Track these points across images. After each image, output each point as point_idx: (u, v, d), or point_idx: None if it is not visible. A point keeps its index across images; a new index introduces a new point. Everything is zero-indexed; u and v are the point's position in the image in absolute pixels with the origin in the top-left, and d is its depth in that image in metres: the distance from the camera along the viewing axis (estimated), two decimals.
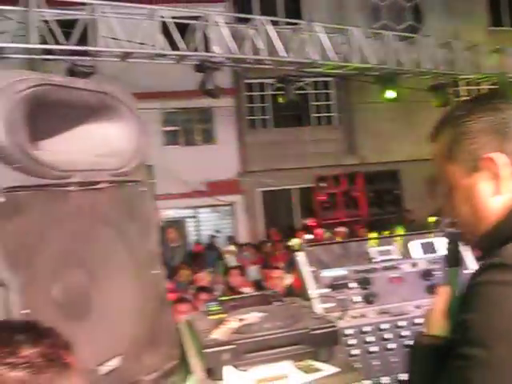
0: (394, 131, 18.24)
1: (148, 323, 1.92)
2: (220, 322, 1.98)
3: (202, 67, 10.66)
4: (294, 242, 12.40)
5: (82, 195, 1.73)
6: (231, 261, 12.68)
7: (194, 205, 16.88)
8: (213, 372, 1.79)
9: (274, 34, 11.60)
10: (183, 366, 1.95)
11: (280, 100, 14.23)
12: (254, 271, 10.62)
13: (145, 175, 2.02)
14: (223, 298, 2.27)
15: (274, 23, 12.40)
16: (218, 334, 1.87)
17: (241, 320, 1.96)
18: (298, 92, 15.02)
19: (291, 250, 12.25)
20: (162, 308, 2.01)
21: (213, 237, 16.49)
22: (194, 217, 17.69)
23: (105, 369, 1.71)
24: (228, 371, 1.80)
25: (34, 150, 1.58)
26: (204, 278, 8.01)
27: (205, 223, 17.91)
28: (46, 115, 1.68)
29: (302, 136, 18.24)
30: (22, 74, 1.62)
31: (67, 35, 9.88)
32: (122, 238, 1.90)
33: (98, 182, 1.78)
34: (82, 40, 9.99)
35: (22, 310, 1.48)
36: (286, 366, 1.86)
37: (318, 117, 19.29)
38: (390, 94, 14.26)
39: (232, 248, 14.04)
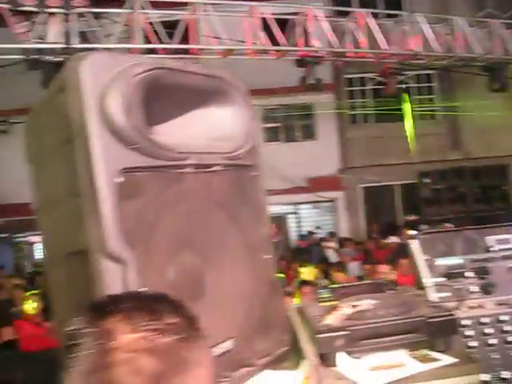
0: (502, 124, 17.43)
1: (260, 308, 1.91)
2: (332, 309, 1.95)
3: (303, 62, 10.62)
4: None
5: (197, 178, 1.74)
6: (332, 256, 12.61)
7: (295, 201, 16.87)
8: (325, 358, 1.76)
9: (374, 26, 11.38)
10: (294, 352, 1.93)
11: (381, 94, 13.95)
12: (354, 267, 10.50)
13: (256, 160, 2.02)
14: (334, 286, 2.23)
15: (374, 16, 12.16)
16: (330, 320, 1.83)
17: (354, 306, 1.91)
18: (399, 86, 14.68)
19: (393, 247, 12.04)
20: (274, 293, 2.00)
21: (310, 233, 16.42)
22: (294, 213, 17.69)
23: (218, 351, 1.71)
24: (341, 358, 1.76)
25: (150, 133, 1.62)
26: (308, 272, 8.00)
27: (305, 219, 17.88)
28: (161, 99, 1.71)
29: (404, 131, 17.81)
30: (139, 58, 1.65)
31: (169, 36, 10.13)
32: (235, 221, 1.90)
33: (212, 165, 1.79)
34: (184, 40, 10.20)
35: (140, 289, 1.51)
36: (401, 355, 1.79)
37: (422, 111, 18.75)
38: (497, 84, 13.63)
39: (332, 244, 13.95)
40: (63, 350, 0.99)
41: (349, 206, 18.07)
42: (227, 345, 1.76)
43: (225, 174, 1.86)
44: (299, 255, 11.90)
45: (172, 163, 1.65)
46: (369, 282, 2.57)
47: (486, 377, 2.00)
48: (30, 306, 7.64)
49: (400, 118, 18.24)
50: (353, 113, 18.57)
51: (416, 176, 17.72)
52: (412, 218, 16.58)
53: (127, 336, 0.92)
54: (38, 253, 17.29)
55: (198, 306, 1.71)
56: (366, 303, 1.92)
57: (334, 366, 1.75)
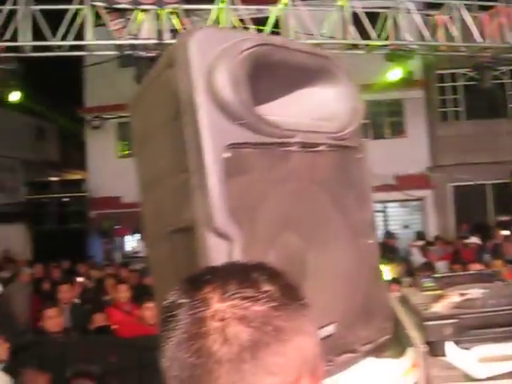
0: None
1: (362, 294, 1.86)
2: (438, 297, 1.87)
3: (393, 56, 10.42)
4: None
5: (302, 157, 1.71)
6: (417, 255, 12.34)
7: (382, 199, 16.59)
8: (433, 347, 1.69)
9: (468, 18, 11.02)
10: (397, 341, 1.86)
11: (478, 89, 13.48)
12: (442, 266, 10.24)
13: (360, 141, 1.96)
14: (438, 275, 2.14)
15: (468, 8, 11.76)
16: (438, 308, 1.76)
17: (462, 295, 1.82)
18: (493, 81, 14.14)
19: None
20: (376, 280, 1.94)
21: (389, 233, 16.00)
22: (382, 211, 17.40)
23: (321, 334, 1.67)
24: (449, 347, 1.68)
25: (257, 109, 1.59)
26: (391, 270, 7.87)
27: (393, 218, 17.56)
28: (266, 76, 1.68)
29: (497, 128, 17.17)
30: (245, 33, 1.63)
31: (260, 33, 10.19)
32: (338, 204, 1.85)
33: (317, 145, 1.75)
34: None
35: None
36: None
37: None
38: None
39: (419, 243, 13.65)
40: (160, 324, 0.98)
41: (438, 205, 17.62)
42: (330, 329, 1.71)
43: (330, 155, 1.81)
44: (385, 253, 11.71)
45: (278, 140, 1.63)
46: (475, 271, 2.45)
47: None
48: (121, 295, 7.87)
49: (493, 114, 17.62)
50: (443, 110, 18.07)
51: (509, 175, 17.05)
52: (504, 218, 15.97)
53: (220, 304, 0.90)
54: (128, 245, 17.84)
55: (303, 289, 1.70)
56: (475, 292, 1.83)
57: (442, 355, 1.67)
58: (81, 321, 7.32)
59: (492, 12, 11.97)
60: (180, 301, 0.95)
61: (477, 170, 16.68)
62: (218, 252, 1.47)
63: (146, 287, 9.29)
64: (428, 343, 1.69)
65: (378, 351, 1.83)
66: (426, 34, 10.86)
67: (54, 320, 6.49)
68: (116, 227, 18.02)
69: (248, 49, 1.58)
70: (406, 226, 17.13)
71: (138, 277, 10.08)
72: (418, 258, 12.01)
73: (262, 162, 1.60)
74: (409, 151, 16.46)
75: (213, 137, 1.49)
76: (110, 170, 17.56)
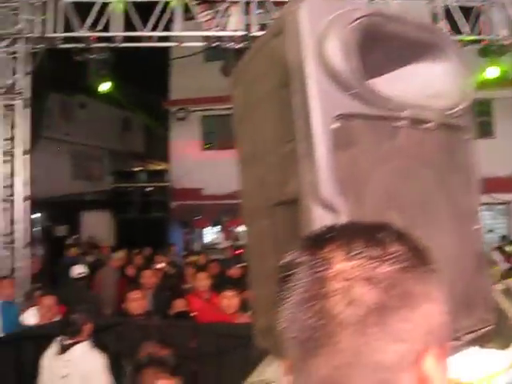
0: None
1: (464, 281, 1.77)
2: None
3: (487, 52, 10.06)
4: None
5: (410, 134, 1.64)
6: (498, 259, 11.91)
7: None
8: None
9: None
10: (501, 333, 1.77)
11: None
12: None
13: (469, 121, 1.87)
14: None
15: None
16: None
17: None
18: None
19: None
20: (480, 268, 1.85)
21: None
22: None
23: None
24: None
25: (367, 80, 1.54)
26: None
27: None
28: (376, 48, 1.63)
29: None
30: (355, 3, 1.59)
31: None
32: (443, 186, 1.77)
33: (426, 122, 1.68)
34: None
35: None
36: None
37: None
38: None
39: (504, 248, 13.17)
40: (277, 284, 0.94)
41: None
42: None
43: (437, 134, 1.74)
44: None
45: (388, 114, 1.57)
46: None
47: None
48: (201, 283, 7.96)
49: None
50: None
51: None
52: None
53: (344, 264, 0.85)
54: (208, 236, 18.09)
55: None
56: None
57: None
58: (162, 306, 7.46)
59: None
60: (300, 259, 0.91)
61: None
62: (324, 224, 1.42)
63: (226, 277, 9.38)
64: None
65: (481, 341, 1.74)
66: None
67: (137, 302, 6.65)
68: (196, 218, 18.30)
69: (359, 18, 1.53)
70: (491, 231, 16.53)
71: (219, 266, 10.19)
72: (501, 264, 11.57)
73: (370, 135, 1.55)
74: (496, 153, 15.87)
75: (322, 106, 1.45)
76: (192, 162, 17.85)
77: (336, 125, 1.46)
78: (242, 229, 16.07)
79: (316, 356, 0.84)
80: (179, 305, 7.14)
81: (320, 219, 1.43)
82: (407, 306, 0.83)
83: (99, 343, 5.72)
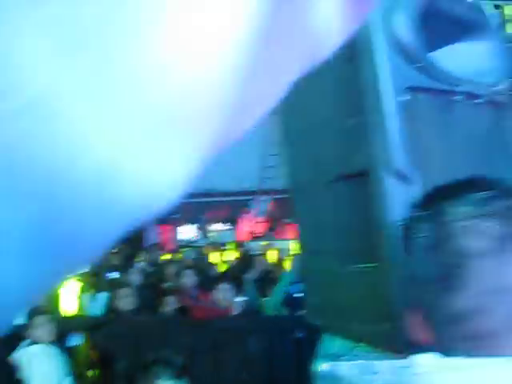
0: None
1: None
2: None
3: None
4: None
5: (464, 108, 1.68)
6: None
7: None
8: None
9: None
10: None
11: None
12: None
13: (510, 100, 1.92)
14: None
15: None
16: None
17: None
18: None
19: None
20: None
21: None
22: None
23: None
24: None
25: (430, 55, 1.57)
26: None
27: None
28: (434, 23, 1.66)
29: None
30: None
31: None
32: (492, 161, 1.81)
33: (479, 97, 1.72)
34: None
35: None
36: None
37: None
38: None
39: None
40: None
41: None
42: None
43: (487, 110, 1.78)
44: None
45: (448, 88, 1.60)
46: None
47: None
48: (189, 280, 7.93)
49: None
50: None
51: None
52: None
53: (465, 208, 0.89)
54: (186, 234, 17.98)
55: None
56: None
57: None
58: (148, 304, 7.41)
59: None
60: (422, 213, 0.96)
61: None
62: (399, 195, 1.45)
63: (211, 273, 9.36)
64: None
65: None
66: None
67: (125, 299, 6.61)
68: (173, 216, 18.20)
69: None
70: None
71: (202, 263, 10.18)
72: None
73: (433, 108, 1.58)
74: None
75: (393, 79, 1.47)
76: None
77: (405, 97, 1.48)
78: (219, 227, 16.06)
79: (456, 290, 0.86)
80: (169, 302, 7.10)
81: (394, 190, 1.45)
82: None
83: (90, 342, 5.67)
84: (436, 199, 0.99)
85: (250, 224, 15.51)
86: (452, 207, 0.91)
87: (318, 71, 1.09)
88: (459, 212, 0.89)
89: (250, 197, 14.90)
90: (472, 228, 0.87)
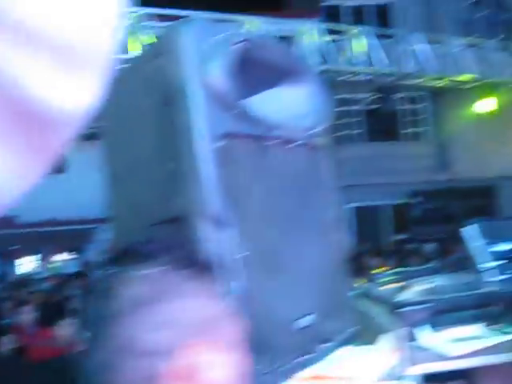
0: (490, 146, 17.71)
1: (332, 287, 1.92)
2: (403, 288, 1.96)
3: None
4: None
5: (281, 151, 1.76)
6: None
7: None
8: (408, 331, 1.77)
9: (371, 44, 11.58)
10: (367, 330, 1.93)
11: (375, 113, 14.17)
12: None
13: (327, 141, 2.04)
14: (396, 270, 2.26)
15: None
16: (409, 295, 1.84)
17: (429, 283, 1.93)
18: (392, 106, 14.87)
19: None
20: (342, 273, 2.01)
21: None
22: None
23: (300, 324, 1.72)
24: (423, 330, 1.77)
25: (245, 102, 1.63)
26: None
27: None
28: (251, 71, 1.72)
29: (394, 151, 18.03)
30: (233, 28, 1.68)
31: None
32: (308, 199, 1.91)
33: (294, 140, 1.81)
34: None
35: (239, 253, 1.51)
36: (479, 328, 1.82)
37: (411, 132, 19.01)
38: (487, 106, 13.91)
39: None
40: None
41: None
42: (308, 320, 1.75)
43: (302, 152, 1.87)
44: None
45: (263, 133, 1.67)
46: (428, 266, 2.59)
47: None
48: (26, 316, 7.53)
49: (391, 137, 18.48)
50: (343, 132, 18.72)
51: (405, 196, 17.90)
52: (401, 237, 16.73)
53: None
54: (25, 267, 17.08)
55: (281, 279, 1.73)
56: (439, 280, 1.94)
57: (417, 338, 1.76)
58: None
59: (392, 40, 12.65)
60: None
61: (375, 191, 17.37)
62: (213, 240, 1.48)
63: (54, 307, 8.94)
64: (402, 328, 1.77)
65: (352, 340, 1.89)
66: (331, 58, 11.28)
67: None
68: (13, 248, 17.23)
69: (238, 43, 1.62)
70: None
71: (45, 296, 9.69)
72: None
73: (249, 152, 1.63)
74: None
75: (207, 125, 1.51)
76: None
77: (220, 143, 1.52)
78: (62, 257, 15.43)
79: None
80: (6, 342, 6.68)
81: (208, 234, 1.48)
82: (166, 301, 0.92)
83: None
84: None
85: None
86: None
87: (140, 112, 1.08)
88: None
89: (94, 226, 14.50)
90: (113, 291, 0.92)
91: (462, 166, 17.99)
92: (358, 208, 18.11)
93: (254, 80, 1.78)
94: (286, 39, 11.22)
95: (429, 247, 13.31)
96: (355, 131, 18.73)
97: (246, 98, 1.68)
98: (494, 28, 19.36)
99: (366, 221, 18.21)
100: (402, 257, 12.30)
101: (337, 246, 1.99)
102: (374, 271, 2.56)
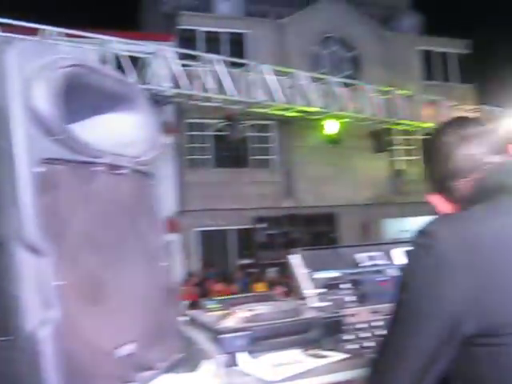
0: (332, 175, 18.71)
1: (157, 314, 1.93)
2: (225, 315, 2.02)
3: (152, 101, 10.73)
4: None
5: (107, 178, 1.76)
6: None
7: None
8: (228, 358, 1.82)
9: (223, 72, 11.87)
10: (191, 356, 1.97)
11: (225, 139, 14.49)
12: None
13: (156, 169, 2.06)
14: (221, 298, 2.31)
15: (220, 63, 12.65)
16: (230, 323, 1.90)
17: (250, 310, 2.00)
18: (240, 133, 15.28)
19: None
20: (168, 301, 2.03)
21: None
22: None
23: (121, 352, 1.71)
24: (243, 357, 1.83)
25: (70, 127, 1.62)
26: None
27: None
28: (79, 96, 1.71)
29: (241, 177, 18.46)
30: (62, 50, 1.66)
31: None
32: (136, 227, 1.92)
33: (121, 168, 1.81)
34: None
35: (56, 282, 1.48)
36: (296, 353, 1.92)
37: (258, 159, 19.59)
38: (329, 138, 14.74)
39: None
40: None
41: (184, 248, 18.19)
42: (130, 348, 1.75)
43: (130, 179, 1.89)
44: None
45: (88, 159, 1.66)
46: (254, 294, 2.68)
47: None
48: None
49: (238, 164, 18.92)
50: (192, 157, 18.88)
51: (251, 221, 18.35)
52: (246, 261, 17.11)
53: None
54: None
55: (102, 308, 1.72)
56: (262, 308, 2.03)
57: (237, 365, 1.81)
58: None
59: (244, 69, 13.04)
60: None
61: (222, 216, 17.65)
62: (29, 267, 1.44)
63: None
64: (223, 355, 1.82)
65: (175, 367, 1.91)
66: (185, 82, 11.38)
67: None
68: None
69: (65, 67, 1.61)
70: None
71: None
72: None
73: (72, 179, 1.62)
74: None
75: (27, 150, 1.47)
76: None
77: (41, 169, 1.49)
78: None
79: None
80: None
81: (26, 263, 1.45)
82: None
83: None
84: None
85: None
86: None
87: None
88: None
89: None
90: None
91: (305, 194, 18.85)
92: (204, 232, 18.33)
93: (82, 106, 1.77)
94: (138, 60, 11.21)
95: (271, 271, 13.73)
96: (205, 156, 18.96)
97: (71, 123, 1.67)
98: (339, 64, 20.61)
99: (212, 245, 18.46)
100: (246, 281, 12.61)
101: (164, 274, 2.01)
102: (217, 296, 2.60)
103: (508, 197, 1.38)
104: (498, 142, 1.52)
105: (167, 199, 17.30)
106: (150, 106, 2.02)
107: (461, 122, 1.61)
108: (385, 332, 1.41)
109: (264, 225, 18.40)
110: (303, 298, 2.34)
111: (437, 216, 1.46)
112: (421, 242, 1.35)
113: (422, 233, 1.36)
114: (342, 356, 1.93)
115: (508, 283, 1.25)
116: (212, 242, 18.56)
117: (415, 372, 1.32)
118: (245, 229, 18.48)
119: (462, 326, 1.26)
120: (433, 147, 1.60)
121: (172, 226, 17.41)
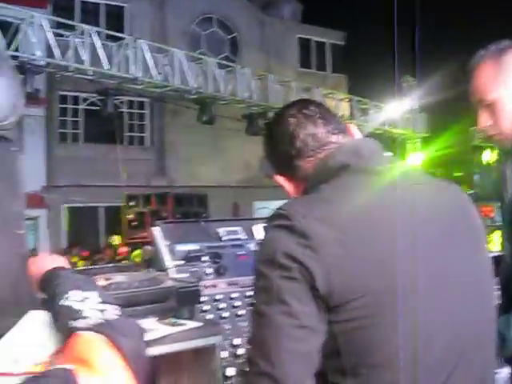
0: (204, 156, 18.82)
1: (12, 282, 1.91)
2: None
3: (22, 69, 10.25)
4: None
5: None
6: None
7: None
8: None
9: (99, 45, 11.55)
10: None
11: (98, 114, 14.14)
12: None
13: (17, 135, 2.02)
14: (80, 268, 2.32)
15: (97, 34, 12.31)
16: None
17: (107, 279, 2.03)
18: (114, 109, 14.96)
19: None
20: (25, 269, 2.01)
21: None
22: None
23: None
24: None
25: None
26: None
27: None
28: None
29: (113, 154, 18.11)
30: None
31: None
32: None
33: None
34: None
35: None
36: (152, 322, 1.97)
37: (131, 136, 19.30)
38: (205, 117, 14.82)
39: None
40: None
41: (51, 225, 17.64)
42: None
43: None
44: None
45: None
46: (115, 265, 2.70)
47: (237, 341, 2.29)
48: None
49: (111, 140, 18.53)
50: (63, 131, 18.26)
51: (122, 199, 18.08)
52: (115, 239, 16.86)
53: None
54: None
55: None
56: (120, 277, 2.06)
57: None
58: None
59: (121, 43, 12.74)
60: None
61: (92, 192, 17.25)
62: None
63: None
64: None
65: None
66: (58, 52, 10.97)
67: None
68: None
69: None
70: None
71: None
72: None
73: None
74: (25, 169, 16.12)
75: None
76: None
77: None
78: None
79: None
80: None
81: None
82: None
83: None
84: None
85: None
86: None
87: None
88: None
89: None
90: None
91: (178, 174, 18.84)
92: (73, 209, 17.84)
93: None
94: (10, 25, 10.65)
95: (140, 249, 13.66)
96: (77, 131, 18.42)
97: None
98: (218, 46, 20.69)
99: (81, 222, 18.01)
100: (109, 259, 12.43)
101: (19, 240, 1.99)
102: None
103: (350, 175, 1.50)
104: (339, 122, 1.64)
105: (35, 173, 16.65)
106: (16, 72, 1.97)
107: (304, 103, 1.68)
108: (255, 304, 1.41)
109: (134, 203, 18.19)
110: (164, 270, 2.41)
111: (290, 199, 1.55)
112: (279, 224, 1.38)
113: (280, 215, 1.40)
114: (196, 324, 2.01)
115: (362, 252, 1.35)
116: (81, 219, 18.12)
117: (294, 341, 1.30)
118: (115, 206, 18.19)
119: (317, 282, 1.30)
120: (278, 127, 1.64)
121: (39, 201, 16.81)
